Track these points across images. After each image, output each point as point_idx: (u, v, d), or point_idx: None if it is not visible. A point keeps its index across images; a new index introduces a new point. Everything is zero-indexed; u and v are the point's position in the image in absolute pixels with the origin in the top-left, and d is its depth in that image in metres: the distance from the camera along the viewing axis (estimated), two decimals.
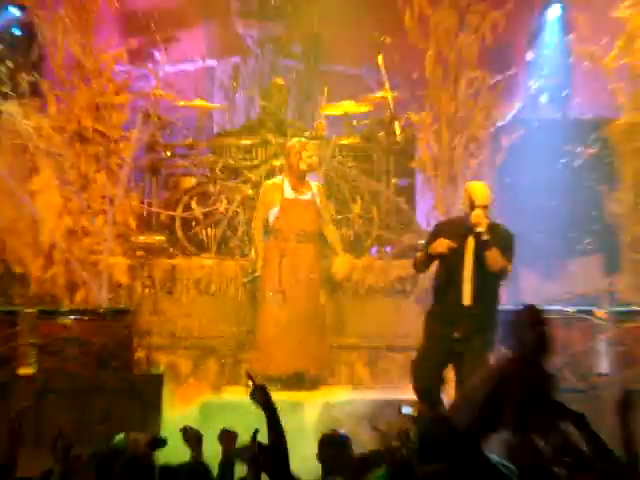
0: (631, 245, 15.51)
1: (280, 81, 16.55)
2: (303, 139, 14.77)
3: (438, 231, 12.38)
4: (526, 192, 16.01)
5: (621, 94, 15.62)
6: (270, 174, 15.49)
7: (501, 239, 11.97)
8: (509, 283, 14.85)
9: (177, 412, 12.72)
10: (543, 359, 9.19)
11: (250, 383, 7.80)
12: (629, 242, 15.55)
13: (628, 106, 15.67)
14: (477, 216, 11.78)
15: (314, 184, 14.48)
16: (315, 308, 14.36)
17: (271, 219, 14.22)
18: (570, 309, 13.81)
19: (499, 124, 16.06)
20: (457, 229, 12.17)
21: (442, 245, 11.78)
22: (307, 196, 14.30)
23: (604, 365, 13.28)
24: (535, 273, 15.87)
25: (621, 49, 15.46)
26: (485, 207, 11.88)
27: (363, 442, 8.97)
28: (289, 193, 14.23)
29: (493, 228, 11.91)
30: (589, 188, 16.05)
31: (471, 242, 12.02)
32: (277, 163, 15.57)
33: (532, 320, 9.42)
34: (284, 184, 14.27)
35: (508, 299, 14.41)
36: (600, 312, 13.66)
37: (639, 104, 15.73)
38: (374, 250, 16.01)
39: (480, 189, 12.20)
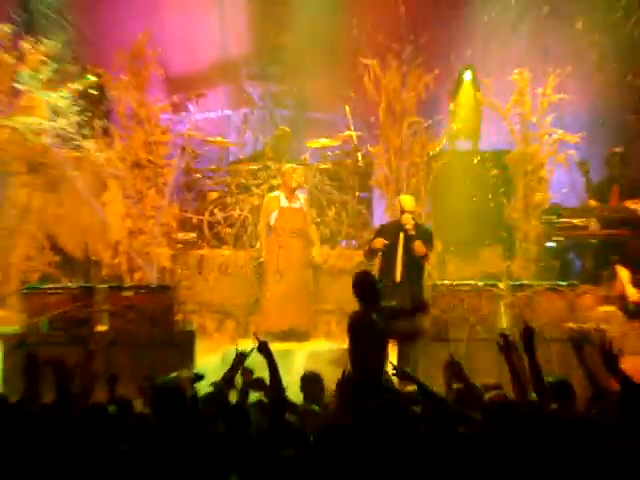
0: (522, 239, 16.13)
1: (286, 129, 17.06)
2: (294, 165, 15.39)
3: (379, 231, 13.76)
4: (451, 201, 16.42)
5: (514, 134, 16.26)
6: (270, 189, 15.99)
7: (423, 234, 13.26)
8: (440, 265, 16.03)
9: (205, 358, 13.33)
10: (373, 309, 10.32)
11: (256, 340, 8.47)
12: (521, 237, 16.16)
13: (519, 142, 16.28)
14: (405, 218, 13.14)
15: (302, 196, 15.22)
16: (302, 283, 15.12)
17: (272, 221, 14.95)
18: (480, 283, 14.33)
19: (431, 154, 16.57)
20: (392, 229, 13.44)
21: (379, 243, 13.16)
22: (297, 205, 15.06)
23: (503, 322, 13.82)
24: (457, 258, 16.44)
25: (514, 102, 16.06)
26: (411, 212, 13.20)
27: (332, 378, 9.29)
28: (284, 202, 15.00)
29: (417, 227, 13.19)
30: (494, 199, 16.48)
31: (402, 237, 13.17)
32: (275, 182, 16.10)
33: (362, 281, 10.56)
34: (280, 196, 15.05)
35: (439, 277, 15.55)
36: (501, 285, 14.22)
37: (527, 140, 16.17)
38: (344, 242, 16.70)
39: (407, 200, 13.57)
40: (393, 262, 13.46)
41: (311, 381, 9.52)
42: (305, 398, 9.14)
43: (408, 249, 13.36)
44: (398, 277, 13.40)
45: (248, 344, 9.08)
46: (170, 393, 7.89)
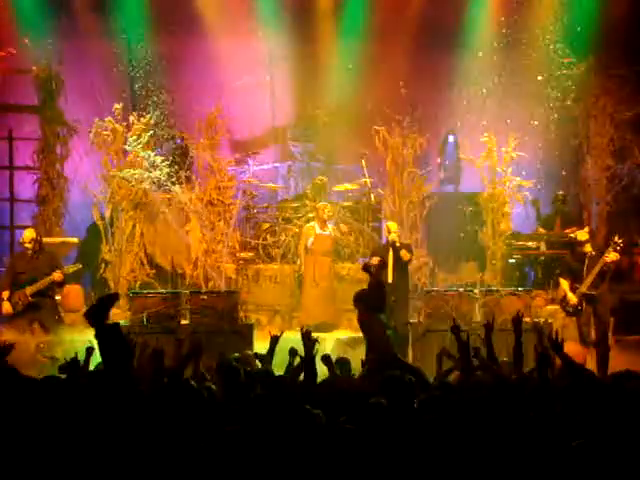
0: (491, 257, 16.16)
1: (324, 179, 16.77)
2: (325, 202, 15.34)
3: (373, 252, 14.35)
4: (439, 230, 16.46)
5: (485, 180, 16.26)
6: (307, 221, 15.70)
7: (405, 246, 14.05)
8: (431, 276, 16.13)
9: (260, 344, 12.63)
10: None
11: (302, 329, 8.51)
12: (490, 255, 16.16)
13: (488, 186, 16.24)
14: (392, 237, 13.90)
15: (330, 226, 15.06)
16: (331, 289, 14.98)
17: (309, 244, 14.82)
18: (461, 289, 14.43)
19: (424, 195, 16.41)
20: (382, 248, 14.22)
21: (375, 260, 13.59)
22: (327, 232, 14.90)
23: (477, 317, 13.68)
24: (444, 271, 16.38)
25: (484, 157, 16.03)
26: (395, 232, 13.98)
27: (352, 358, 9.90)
28: (318, 230, 14.85)
29: (401, 242, 13.97)
30: (471, 228, 16.46)
31: (391, 251, 13.75)
32: (310, 215, 15.82)
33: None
34: (315, 226, 14.92)
35: (429, 285, 15.66)
36: (475, 290, 14.27)
37: (494, 185, 16.17)
38: (361, 259, 15.96)
39: (392, 225, 14.40)
40: (385, 269, 13.90)
41: (343, 362, 9.49)
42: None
43: (397, 258, 13.99)
44: (390, 279, 13.85)
45: (291, 333, 9.20)
46: (232, 367, 8.21)
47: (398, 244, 14.05)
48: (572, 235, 14.24)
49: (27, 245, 13.44)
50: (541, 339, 8.20)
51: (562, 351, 7.57)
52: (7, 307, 13.20)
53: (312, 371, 7.97)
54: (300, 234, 15.66)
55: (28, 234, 13.59)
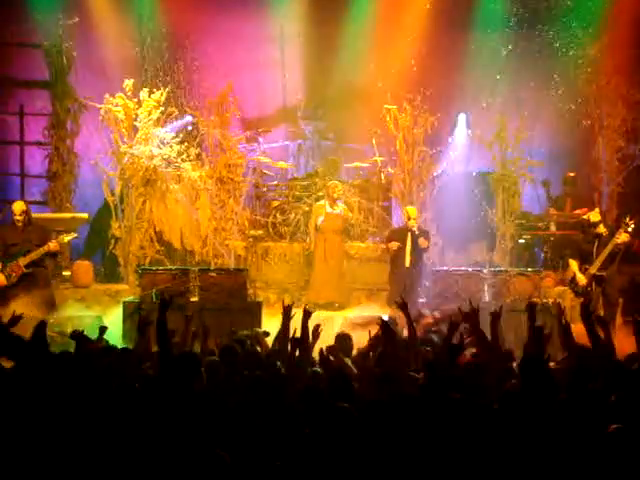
0: (500, 237, 16.20)
1: (337, 159, 17.01)
2: (335, 181, 15.39)
3: (390, 235, 14.55)
4: (449, 210, 16.25)
5: (495, 160, 16.31)
6: (317, 199, 15.81)
7: (423, 233, 14.01)
8: (440, 256, 16.12)
9: (268, 321, 12.77)
10: None
11: (283, 303, 8.65)
12: (499, 235, 16.20)
13: (499, 166, 16.29)
14: (412, 223, 13.90)
15: (341, 204, 15.10)
16: (340, 268, 15.03)
17: (319, 223, 14.88)
18: (470, 269, 14.48)
19: (435, 174, 16.47)
20: (400, 232, 14.28)
21: (394, 245, 13.94)
22: (337, 211, 14.96)
23: (486, 297, 13.79)
24: (453, 250, 16.44)
25: (495, 137, 16.14)
26: (414, 218, 13.93)
27: (358, 336, 9.77)
28: (328, 209, 14.93)
29: (420, 228, 13.93)
30: (481, 208, 16.35)
31: (409, 236, 13.81)
32: (320, 194, 15.85)
33: None
34: (326, 204, 15.00)
35: (439, 264, 15.60)
36: (485, 270, 14.20)
37: (504, 165, 16.20)
38: (370, 238, 16.35)
39: (412, 210, 14.29)
40: (403, 254, 14.13)
41: (344, 338, 9.43)
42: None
43: (414, 244, 14.10)
44: (407, 263, 14.11)
45: (299, 312, 9.23)
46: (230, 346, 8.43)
47: (417, 231, 14.15)
48: (584, 217, 14.29)
49: (18, 217, 13.18)
50: (532, 315, 8.33)
51: (571, 334, 7.94)
52: (1, 279, 12.94)
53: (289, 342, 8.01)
54: (310, 212, 15.69)
55: (18, 206, 13.33)
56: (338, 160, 17.09)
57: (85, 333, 8.53)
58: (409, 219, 14.23)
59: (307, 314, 8.22)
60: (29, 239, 13.12)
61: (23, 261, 12.91)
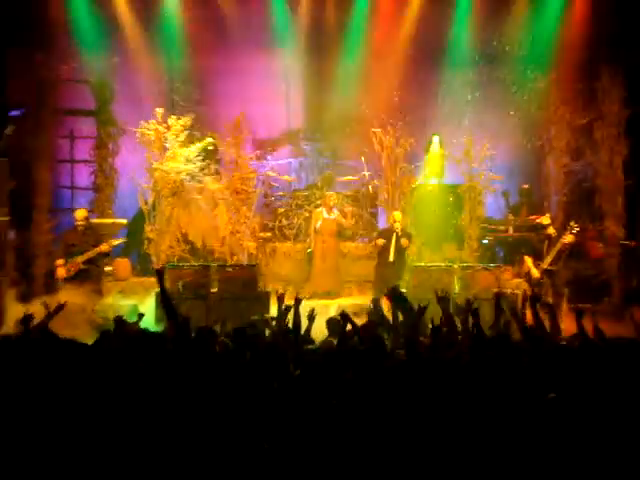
0: (468, 238, 16.12)
1: (332, 173, 17.06)
2: (331, 192, 15.56)
3: (379, 234, 14.58)
4: (425, 216, 16.27)
5: (463, 174, 16.24)
6: (316, 207, 15.82)
7: (406, 234, 14.07)
8: (418, 254, 15.87)
9: (275, 308, 12.63)
10: None
11: (277, 292, 9.01)
12: (467, 237, 16.15)
13: (466, 179, 16.21)
14: (396, 226, 13.99)
15: (336, 211, 15.16)
16: (335, 264, 15.13)
17: (317, 226, 14.98)
18: (442, 264, 14.55)
19: (413, 186, 16.44)
20: (387, 232, 14.32)
21: (380, 242, 13.99)
22: (333, 216, 15.04)
23: (456, 288, 13.78)
24: (429, 250, 16.12)
25: (463, 154, 15.99)
26: (399, 222, 13.95)
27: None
28: (325, 215, 15.02)
29: (402, 230, 13.91)
30: (451, 214, 16.39)
31: (394, 236, 13.89)
32: (318, 202, 15.91)
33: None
34: (323, 211, 15.09)
35: (417, 260, 15.34)
36: (454, 266, 14.32)
37: (471, 178, 16.11)
38: (360, 239, 16.45)
39: (397, 215, 14.33)
40: (388, 250, 14.21)
41: (333, 322, 9.18)
42: (329, 334, 8.84)
43: (397, 243, 14.18)
44: (391, 258, 14.21)
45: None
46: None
47: (400, 233, 14.26)
48: (537, 221, 14.42)
49: (80, 222, 13.57)
50: (499, 303, 8.42)
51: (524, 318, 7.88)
52: (62, 272, 13.38)
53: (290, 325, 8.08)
54: (310, 218, 15.69)
55: (81, 213, 13.75)
56: (332, 174, 17.07)
57: (124, 318, 8.57)
58: (394, 222, 14.35)
59: (298, 301, 8.31)
60: (86, 241, 13.49)
61: (81, 259, 13.30)
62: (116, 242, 13.89)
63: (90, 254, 13.35)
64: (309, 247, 15.57)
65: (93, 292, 13.36)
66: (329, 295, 14.82)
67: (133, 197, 16.36)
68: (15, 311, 12.73)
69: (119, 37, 16.35)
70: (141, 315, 9.54)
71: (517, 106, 16.63)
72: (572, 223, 13.52)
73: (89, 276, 13.51)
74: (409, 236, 14.66)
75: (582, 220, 15.14)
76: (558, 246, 13.34)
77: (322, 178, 17.02)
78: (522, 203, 16.75)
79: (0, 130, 14.26)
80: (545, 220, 13.85)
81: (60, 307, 8.24)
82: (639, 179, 15.43)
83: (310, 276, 15.26)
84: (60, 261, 13.48)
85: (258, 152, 16.96)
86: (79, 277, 13.40)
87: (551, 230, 13.58)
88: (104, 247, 13.41)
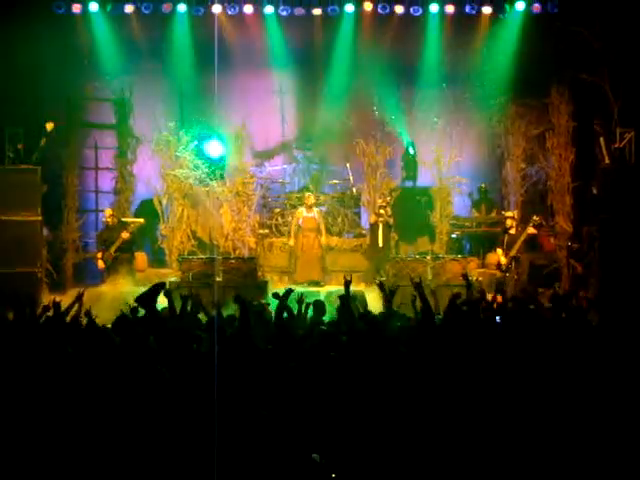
0: (439, 233, 16.49)
1: (319, 174, 17.07)
2: (309, 192, 15.78)
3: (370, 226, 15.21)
4: (402, 214, 16.51)
5: (435, 177, 16.64)
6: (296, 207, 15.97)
7: (388, 224, 14.95)
8: (396, 248, 16.21)
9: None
10: None
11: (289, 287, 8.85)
12: (438, 232, 16.51)
13: (437, 182, 16.60)
14: (381, 220, 14.95)
15: (316, 209, 15.42)
16: (315, 255, 15.30)
17: (299, 223, 15.32)
18: (418, 256, 14.92)
19: (392, 188, 16.66)
20: (375, 225, 15.10)
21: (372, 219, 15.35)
22: (311, 214, 15.34)
23: (429, 276, 14.05)
24: (405, 243, 16.65)
25: (434, 161, 16.56)
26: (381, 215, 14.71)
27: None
28: (305, 213, 15.35)
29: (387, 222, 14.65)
30: (424, 212, 16.59)
31: (381, 226, 14.99)
32: (309, 203, 15.55)
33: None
34: (303, 210, 15.38)
35: (395, 254, 15.85)
36: (427, 257, 14.72)
37: (441, 181, 16.51)
38: (346, 235, 16.49)
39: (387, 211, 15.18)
40: (376, 237, 15.20)
41: (319, 306, 9.13)
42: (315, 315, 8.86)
43: (385, 231, 15.17)
44: (381, 243, 15.11)
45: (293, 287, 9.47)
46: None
47: (384, 223, 15.11)
48: (505, 214, 15.22)
49: (108, 219, 14.89)
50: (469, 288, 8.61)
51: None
52: (101, 263, 14.67)
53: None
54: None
55: (107, 212, 15.16)
56: (320, 175, 17.22)
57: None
58: (379, 214, 15.18)
59: (288, 292, 8.05)
60: (114, 235, 14.61)
61: (113, 249, 14.46)
62: (134, 226, 14.92)
63: (117, 243, 14.48)
64: (289, 242, 15.72)
65: (128, 274, 14.49)
66: (316, 284, 15.01)
67: (149, 199, 16.87)
68: (48, 300, 13.41)
69: (136, 60, 16.60)
70: (161, 286, 9.55)
71: (480, 119, 16.89)
72: (534, 217, 14.40)
73: (122, 262, 14.60)
74: (391, 226, 15.38)
75: (537, 216, 15.78)
76: (523, 237, 14.20)
77: (311, 179, 17.17)
78: (481, 200, 17.10)
79: (35, 143, 14.80)
80: (509, 214, 14.82)
81: (80, 296, 8.15)
82: (585, 181, 15.76)
83: (295, 268, 15.37)
84: (98, 254, 14.71)
85: (257, 159, 17.23)
86: (114, 265, 14.56)
87: (510, 222, 14.42)
88: (124, 235, 14.56)
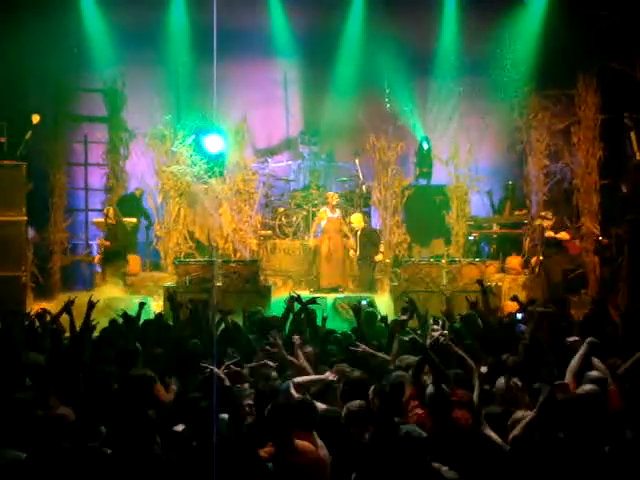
0: (455, 234, 16.07)
1: (318, 172, 16.81)
2: (333, 192, 15.56)
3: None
4: (415, 214, 16.43)
5: (451, 175, 16.30)
6: (313, 207, 15.91)
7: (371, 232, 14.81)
8: (409, 249, 16.08)
9: (276, 301, 13.04)
10: None
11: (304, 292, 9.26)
12: (454, 233, 16.07)
13: (453, 179, 16.28)
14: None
15: (338, 210, 15.21)
16: (342, 259, 15.04)
17: (322, 225, 15.02)
18: (432, 260, 14.59)
19: (404, 186, 16.38)
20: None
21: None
22: (336, 215, 15.13)
23: (444, 281, 13.89)
24: (418, 245, 16.33)
25: (450, 157, 16.22)
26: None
27: None
28: (329, 214, 15.07)
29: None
30: (440, 213, 16.23)
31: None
32: (315, 202, 15.92)
33: None
34: (327, 210, 15.08)
35: (408, 256, 15.72)
36: (443, 260, 14.37)
37: (458, 179, 16.17)
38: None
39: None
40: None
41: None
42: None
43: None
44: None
45: (300, 293, 9.37)
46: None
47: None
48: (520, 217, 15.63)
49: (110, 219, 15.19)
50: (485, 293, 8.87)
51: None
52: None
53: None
54: (309, 217, 15.84)
55: (110, 211, 15.31)
56: (319, 173, 16.97)
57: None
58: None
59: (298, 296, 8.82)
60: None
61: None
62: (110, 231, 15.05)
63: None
64: (310, 243, 15.55)
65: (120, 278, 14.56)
66: (335, 289, 14.73)
67: (143, 198, 16.46)
68: (33, 305, 13.15)
69: (129, 47, 16.16)
70: (142, 304, 9.60)
71: (500, 111, 16.60)
72: (541, 213, 14.59)
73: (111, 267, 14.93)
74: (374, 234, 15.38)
75: (561, 217, 15.34)
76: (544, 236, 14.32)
77: (312, 175, 16.95)
78: (506, 198, 16.70)
79: (20, 136, 14.31)
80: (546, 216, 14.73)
81: (70, 303, 8.34)
82: (614, 179, 15.36)
83: (321, 273, 15.09)
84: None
85: (259, 155, 16.97)
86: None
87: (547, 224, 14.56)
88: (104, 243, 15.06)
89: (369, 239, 15.11)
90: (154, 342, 8.00)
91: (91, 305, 7.80)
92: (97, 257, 15.11)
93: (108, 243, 14.80)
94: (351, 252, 15.24)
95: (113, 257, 14.82)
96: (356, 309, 8.30)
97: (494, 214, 16.79)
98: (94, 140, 16.97)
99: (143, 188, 16.41)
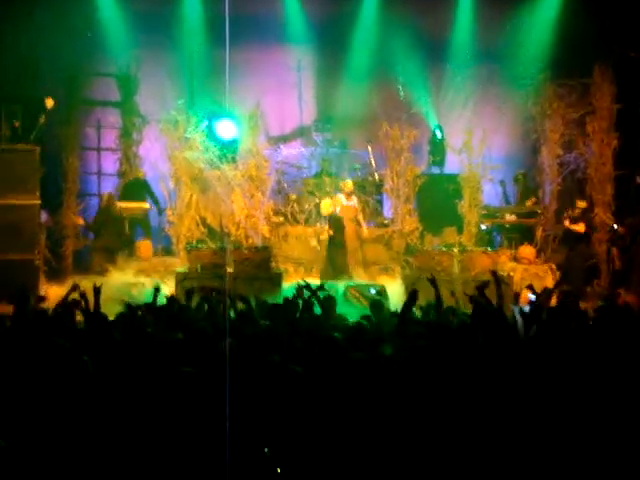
0: (467, 224, 15.94)
1: (329, 160, 16.90)
2: (348, 180, 15.62)
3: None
4: (428, 203, 16.44)
5: (464, 163, 16.14)
6: (325, 194, 15.95)
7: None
8: (421, 239, 16.04)
9: (287, 288, 12.97)
10: None
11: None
12: (466, 222, 15.92)
13: (466, 168, 16.11)
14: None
15: (354, 198, 15.34)
16: (356, 247, 15.30)
17: (337, 212, 15.04)
18: (444, 248, 14.68)
19: (417, 175, 16.23)
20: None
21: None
22: (351, 203, 15.23)
23: (456, 271, 13.97)
24: (431, 234, 16.09)
25: (463, 146, 16.03)
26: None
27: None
28: (344, 202, 15.17)
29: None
30: (453, 200, 16.01)
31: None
32: (327, 189, 16.02)
33: None
34: (342, 198, 15.19)
35: (420, 245, 15.81)
36: (455, 250, 14.43)
37: (470, 168, 16.05)
38: (370, 223, 16.38)
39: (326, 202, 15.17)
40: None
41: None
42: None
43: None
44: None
45: (311, 280, 9.46)
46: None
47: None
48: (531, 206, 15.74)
49: None
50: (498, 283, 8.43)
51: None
52: None
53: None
54: (319, 204, 15.85)
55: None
56: (330, 161, 17.06)
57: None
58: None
59: (307, 284, 8.70)
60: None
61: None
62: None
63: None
64: (322, 232, 15.61)
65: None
66: (349, 276, 14.78)
67: (155, 183, 16.49)
68: (46, 288, 13.30)
69: (143, 32, 16.21)
70: (157, 289, 9.48)
71: (514, 100, 16.60)
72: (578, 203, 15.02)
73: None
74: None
75: (574, 208, 15.38)
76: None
77: (323, 162, 17.03)
78: (518, 189, 16.79)
79: (34, 121, 14.36)
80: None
81: (74, 288, 8.26)
82: (631, 170, 15.39)
83: (332, 261, 15.13)
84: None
85: (272, 142, 16.98)
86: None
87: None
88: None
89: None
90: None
91: (97, 291, 7.80)
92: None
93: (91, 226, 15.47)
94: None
95: (99, 243, 15.26)
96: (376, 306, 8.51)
97: (506, 204, 16.82)
98: (107, 125, 17.03)
99: (145, 170, 16.67)
